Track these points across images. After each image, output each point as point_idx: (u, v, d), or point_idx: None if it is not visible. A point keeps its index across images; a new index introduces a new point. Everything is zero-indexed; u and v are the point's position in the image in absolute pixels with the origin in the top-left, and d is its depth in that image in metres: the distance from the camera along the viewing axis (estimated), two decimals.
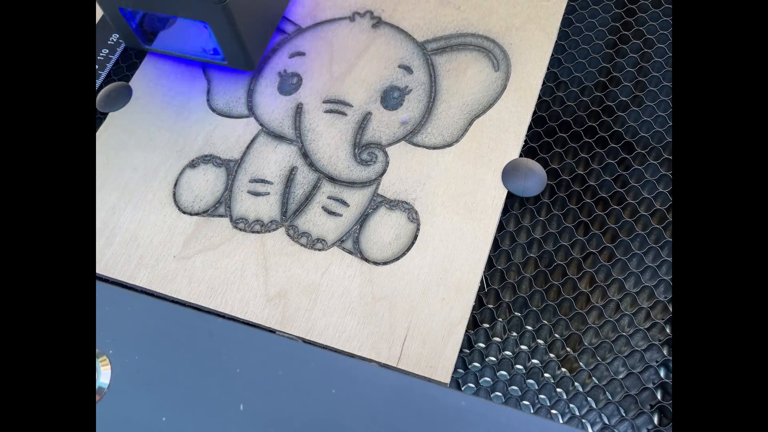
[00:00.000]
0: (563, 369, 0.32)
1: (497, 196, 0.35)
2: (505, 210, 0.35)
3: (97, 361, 0.24)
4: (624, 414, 0.30)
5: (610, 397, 0.31)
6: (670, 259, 0.33)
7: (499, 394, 0.32)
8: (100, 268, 0.35)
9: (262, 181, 0.37)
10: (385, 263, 0.34)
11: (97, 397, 0.24)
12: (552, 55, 0.39)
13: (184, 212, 0.36)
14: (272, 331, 0.32)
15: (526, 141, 0.37)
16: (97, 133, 0.39)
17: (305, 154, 0.37)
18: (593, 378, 0.31)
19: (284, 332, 0.32)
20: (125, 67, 0.43)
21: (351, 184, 0.36)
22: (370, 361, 0.31)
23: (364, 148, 0.37)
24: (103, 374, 0.24)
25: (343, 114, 0.38)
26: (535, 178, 0.35)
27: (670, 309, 0.32)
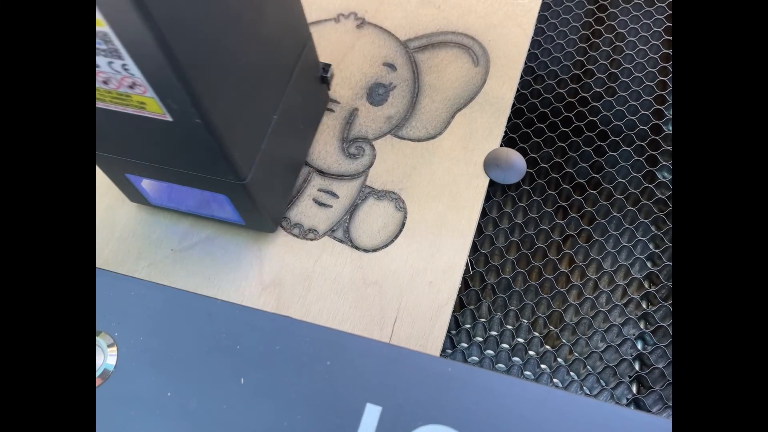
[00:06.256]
0: (546, 345, 0.33)
1: (480, 185, 0.37)
2: (488, 197, 0.37)
3: (103, 341, 0.26)
4: (604, 385, 0.32)
5: (590, 370, 0.32)
6: (645, 239, 0.35)
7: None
8: (100, 263, 0.36)
9: None
10: (374, 250, 0.35)
11: (100, 381, 0.25)
12: (529, 50, 0.41)
13: None
14: None
15: (506, 132, 0.39)
16: None
17: None
18: (574, 353, 0.33)
19: None
20: None
21: (340, 176, 0.38)
22: None
23: (351, 143, 0.39)
24: (110, 356, 0.26)
25: (331, 110, 0.40)
26: (515, 166, 0.37)
27: (646, 285, 0.34)
